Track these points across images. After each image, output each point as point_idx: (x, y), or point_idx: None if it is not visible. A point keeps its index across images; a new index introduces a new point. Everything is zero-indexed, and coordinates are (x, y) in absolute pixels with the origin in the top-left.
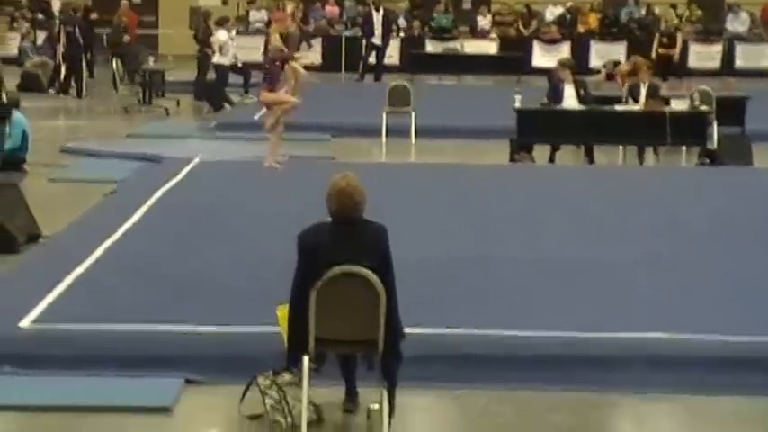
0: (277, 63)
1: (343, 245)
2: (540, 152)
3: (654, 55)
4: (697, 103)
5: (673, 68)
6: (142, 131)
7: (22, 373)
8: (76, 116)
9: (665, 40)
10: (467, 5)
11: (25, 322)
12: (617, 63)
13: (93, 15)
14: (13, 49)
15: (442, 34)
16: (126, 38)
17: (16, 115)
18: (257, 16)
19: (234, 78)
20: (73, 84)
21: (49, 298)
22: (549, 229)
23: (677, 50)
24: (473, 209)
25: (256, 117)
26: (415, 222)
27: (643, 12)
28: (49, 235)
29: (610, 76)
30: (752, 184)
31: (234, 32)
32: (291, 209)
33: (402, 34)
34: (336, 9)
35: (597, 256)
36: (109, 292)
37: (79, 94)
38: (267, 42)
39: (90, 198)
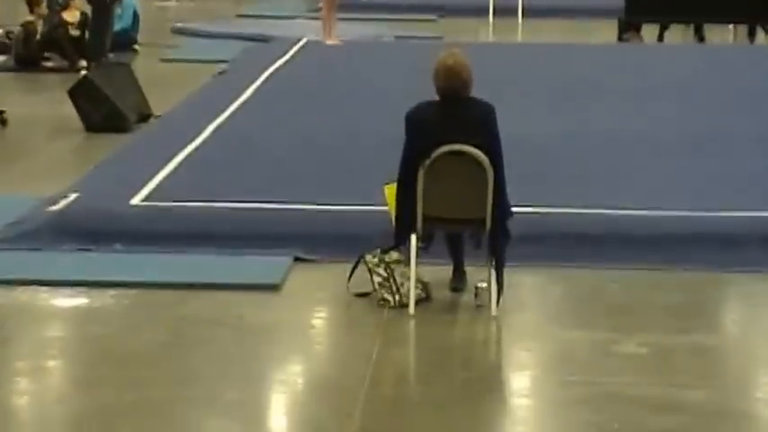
0: None
1: (452, 122)
2: (649, 31)
3: None
4: None
5: None
6: (251, 12)
7: (134, 251)
8: None
9: None
10: None
11: (136, 200)
12: None
13: None
14: None
15: None
16: None
17: None
18: None
19: None
20: None
21: (160, 176)
22: (657, 107)
23: None
24: (581, 88)
25: None
26: (523, 101)
27: None
28: (160, 114)
29: None
30: None
31: None
32: (400, 87)
33: None
34: None
35: (707, 133)
36: (219, 171)
37: None
38: None
39: (200, 77)
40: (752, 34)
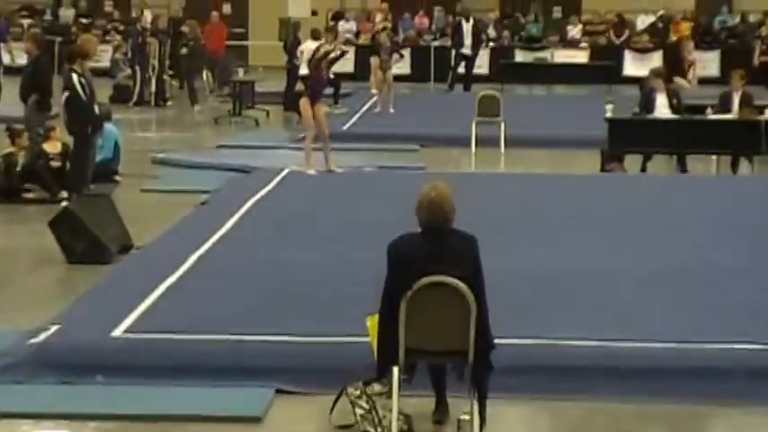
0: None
1: (433, 255)
2: (632, 161)
3: (756, 62)
4: None
5: None
6: (232, 142)
7: (116, 383)
8: (167, 127)
9: (765, 47)
10: (557, 14)
11: (117, 332)
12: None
13: (184, 28)
14: (105, 62)
15: (531, 43)
16: (183, 50)
17: (108, 127)
18: (346, 27)
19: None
20: (168, 92)
21: (141, 308)
22: (641, 237)
23: None
24: (564, 219)
25: (345, 128)
26: (506, 232)
27: (737, 20)
28: (141, 245)
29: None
30: None
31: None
32: (381, 219)
33: (492, 44)
34: (426, 20)
35: (692, 263)
36: (200, 302)
37: (159, 103)
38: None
39: (181, 208)
40: (735, 165)
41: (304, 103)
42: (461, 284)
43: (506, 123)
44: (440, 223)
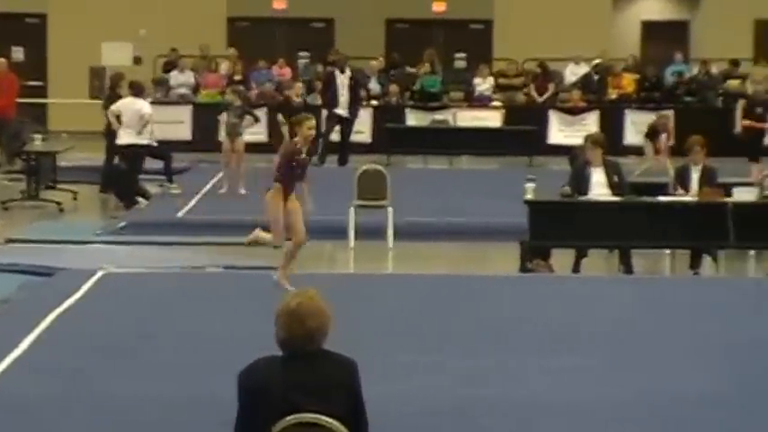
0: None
1: (299, 385)
2: (561, 258)
3: (738, 128)
4: None
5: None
6: (27, 235)
7: None
8: None
9: (758, 109)
10: (460, 63)
11: None
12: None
13: None
14: None
15: (427, 102)
16: None
17: None
18: (181, 79)
19: (151, 163)
20: None
21: None
22: (571, 362)
23: None
24: (472, 335)
25: (180, 214)
26: (395, 354)
27: (695, 71)
28: None
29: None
30: None
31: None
32: (229, 336)
33: (375, 102)
34: (288, 70)
35: (636, 397)
36: None
37: None
38: None
39: None
40: (695, 262)
41: (272, 196)
42: (336, 424)
43: (395, 208)
44: (302, 343)
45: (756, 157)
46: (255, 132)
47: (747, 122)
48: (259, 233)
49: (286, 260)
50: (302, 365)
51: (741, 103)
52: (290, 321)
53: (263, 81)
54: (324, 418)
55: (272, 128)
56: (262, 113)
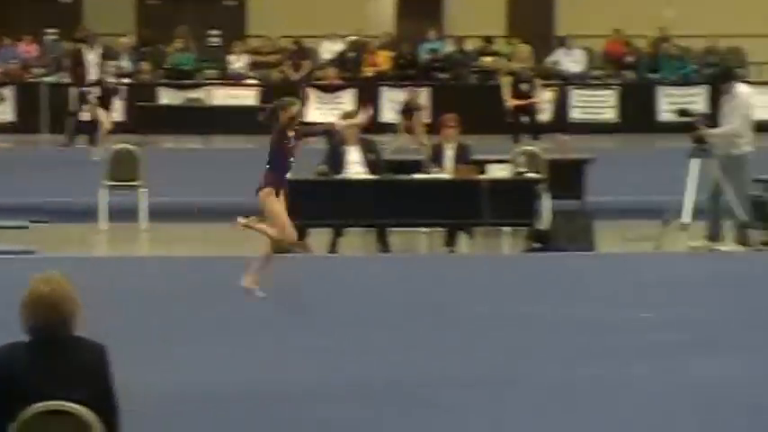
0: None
1: (47, 372)
2: (318, 238)
3: (509, 105)
4: (522, 168)
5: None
6: None
7: None
8: None
9: (524, 86)
10: (214, 41)
11: None
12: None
13: None
14: None
15: (181, 80)
16: None
17: None
18: None
19: None
20: None
21: None
22: (327, 345)
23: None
24: (225, 320)
25: None
26: (145, 339)
27: (451, 48)
28: None
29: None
30: (592, 274)
31: None
32: None
33: (126, 80)
34: (34, 47)
35: (390, 378)
36: None
37: None
38: None
39: None
40: (451, 240)
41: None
42: (83, 411)
43: (149, 189)
44: (54, 329)
45: (517, 136)
46: (2, 112)
47: (515, 101)
48: (256, 222)
49: (261, 262)
50: (52, 352)
51: (508, 80)
52: (41, 307)
53: (8, 59)
54: (70, 405)
55: (20, 108)
56: (8, 92)
